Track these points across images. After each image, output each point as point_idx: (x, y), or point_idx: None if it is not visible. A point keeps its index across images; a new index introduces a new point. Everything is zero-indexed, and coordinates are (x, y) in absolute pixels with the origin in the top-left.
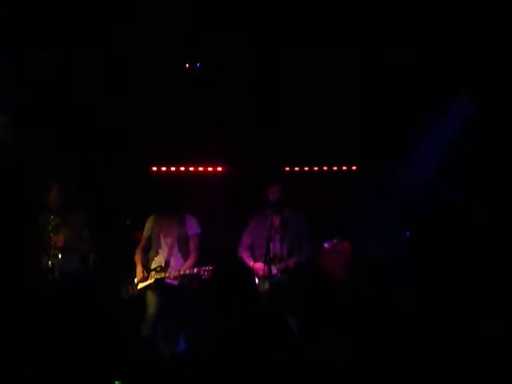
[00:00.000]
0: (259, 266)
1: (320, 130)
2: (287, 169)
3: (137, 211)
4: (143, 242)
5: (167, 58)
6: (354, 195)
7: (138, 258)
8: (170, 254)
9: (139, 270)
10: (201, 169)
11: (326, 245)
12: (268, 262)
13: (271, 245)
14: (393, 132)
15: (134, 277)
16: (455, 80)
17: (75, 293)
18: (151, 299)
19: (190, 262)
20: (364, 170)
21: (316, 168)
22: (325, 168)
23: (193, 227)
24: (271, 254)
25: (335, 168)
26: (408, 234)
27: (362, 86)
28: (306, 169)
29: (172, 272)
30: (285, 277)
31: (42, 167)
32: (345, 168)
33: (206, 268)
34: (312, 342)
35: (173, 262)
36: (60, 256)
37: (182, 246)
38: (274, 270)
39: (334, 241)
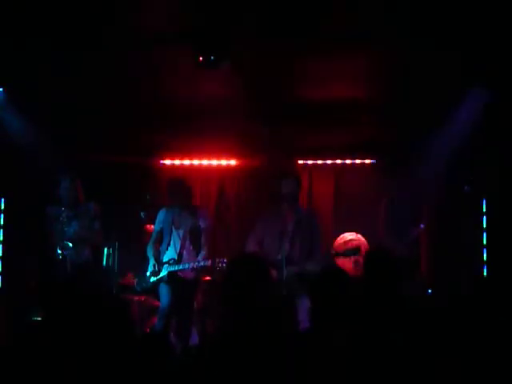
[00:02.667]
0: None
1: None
2: (301, 162)
3: (149, 204)
4: (155, 234)
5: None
6: (371, 190)
7: (150, 251)
8: (182, 247)
9: (152, 263)
10: (214, 162)
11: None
12: (279, 264)
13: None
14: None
15: (147, 270)
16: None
17: (86, 284)
18: (164, 292)
19: (203, 254)
20: (383, 163)
21: (333, 161)
22: (340, 161)
23: (205, 220)
24: (282, 254)
25: (352, 161)
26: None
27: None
28: (321, 162)
29: (185, 265)
30: (294, 281)
31: (51, 157)
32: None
33: (221, 260)
34: (323, 339)
35: (185, 254)
36: (71, 247)
37: (195, 238)
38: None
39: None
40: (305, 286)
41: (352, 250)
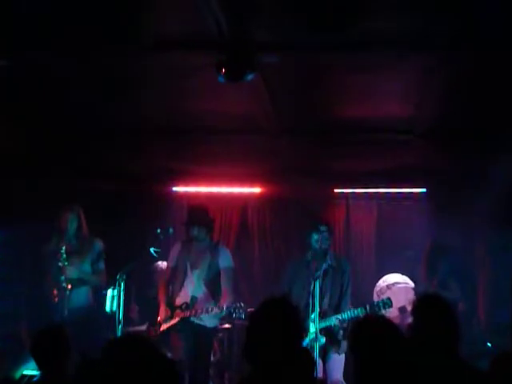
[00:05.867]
0: None
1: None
2: (338, 190)
3: (161, 238)
4: (167, 273)
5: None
6: (419, 224)
7: (161, 294)
8: (197, 288)
9: (162, 307)
10: (235, 190)
11: None
12: (309, 319)
13: (310, 298)
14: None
15: (157, 316)
16: None
17: (81, 333)
18: (177, 342)
19: (221, 299)
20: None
21: (375, 189)
22: (384, 190)
23: (225, 259)
24: (312, 309)
25: (397, 190)
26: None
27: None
28: (361, 190)
29: (199, 310)
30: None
31: (52, 184)
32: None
33: (239, 306)
34: None
35: (201, 297)
36: (70, 289)
37: (212, 279)
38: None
39: None
40: (333, 341)
41: (383, 302)
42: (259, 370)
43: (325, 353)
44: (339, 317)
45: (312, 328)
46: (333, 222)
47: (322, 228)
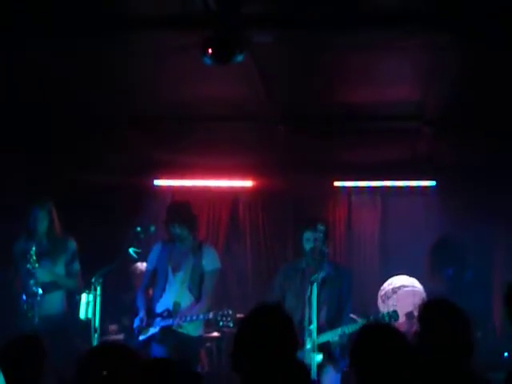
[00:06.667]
0: None
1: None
2: (339, 184)
3: (140, 237)
4: (147, 277)
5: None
6: (428, 220)
7: (139, 299)
8: (180, 294)
9: (141, 314)
10: (224, 183)
11: None
12: (303, 332)
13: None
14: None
15: (136, 324)
16: None
17: (53, 343)
18: (158, 353)
19: (201, 304)
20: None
21: (379, 182)
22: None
23: (210, 260)
24: (308, 322)
25: (404, 183)
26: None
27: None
28: (364, 184)
29: (182, 317)
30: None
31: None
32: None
33: (226, 313)
34: None
35: (184, 304)
36: (41, 293)
37: (197, 283)
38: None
39: None
40: (330, 357)
41: (389, 315)
42: (248, 381)
43: (320, 371)
44: (339, 332)
45: (308, 344)
46: (333, 219)
47: (318, 227)
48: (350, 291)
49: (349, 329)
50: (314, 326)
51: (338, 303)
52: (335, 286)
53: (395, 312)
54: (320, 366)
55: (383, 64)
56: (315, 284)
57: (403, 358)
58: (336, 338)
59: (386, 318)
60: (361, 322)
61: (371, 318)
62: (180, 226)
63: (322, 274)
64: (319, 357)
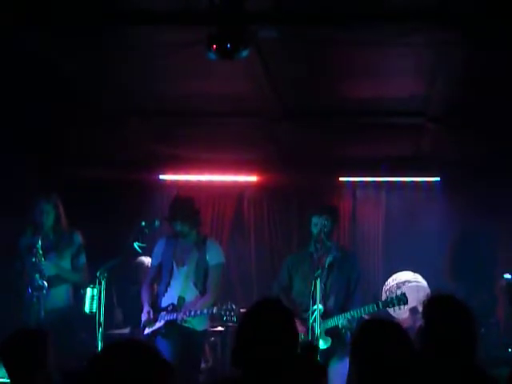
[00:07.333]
0: (297, 322)
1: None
2: (342, 179)
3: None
4: (152, 272)
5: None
6: (432, 215)
7: (145, 294)
8: (184, 288)
9: (146, 309)
10: (229, 178)
11: None
12: (310, 319)
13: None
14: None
15: (141, 318)
16: None
17: (58, 337)
18: (162, 347)
19: (206, 298)
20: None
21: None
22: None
23: (215, 254)
24: (315, 308)
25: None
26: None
27: None
28: (368, 179)
29: (187, 312)
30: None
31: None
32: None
33: (230, 308)
34: None
35: (188, 299)
36: (47, 287)
37: (201, 278)
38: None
39: None
40: (340, 344)
41: (398, 298)
42: (249, 376)
43: (327, 358)
44: (348, 316)
45: (316, 329)
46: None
47: (326, 212)
48: (360, 275)
49: (358, 313)
50: (317, 317)
51: (347, 287)
52: (344, 269)
53: (404, 295)
54: (329, 351)
55: (387, 60)
56: (322, 274)
57: (405, 354)
58: (345, 323)
59: (395, 302)
60: (370, 306)
61: (380, 302)
62: (182, 223)
63: (329, 258)
64: (328, 341)
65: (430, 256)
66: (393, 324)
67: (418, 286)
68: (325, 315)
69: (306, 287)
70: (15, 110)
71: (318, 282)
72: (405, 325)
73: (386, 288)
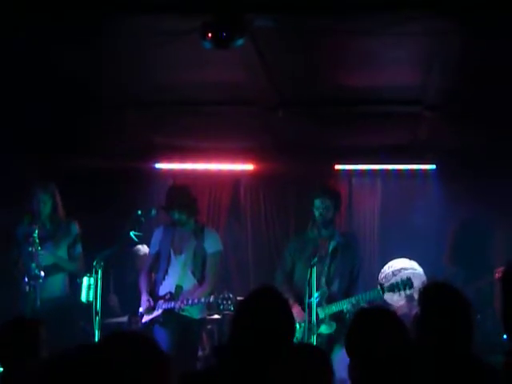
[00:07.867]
0: (297, 309)
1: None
2: (340, 167)
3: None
4: (149, 260)
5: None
6: (428, 203)
7: (142, 282)
8: (182, 277)
9: (144, 297)
10: (225, 167)
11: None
12: (312, 304)
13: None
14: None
15: (138, 306)
16: None
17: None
18: (160, 336)
19: (204, 287)
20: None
21: (380, 166)
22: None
23: (212, 242)
24: (317, 292)
25: (404, 166)
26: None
27: None
28: (364, 167)
29: (184, 300)
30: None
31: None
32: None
33: (227, 296)
34: None
35: (186, 287)
36: (43, 276)
37: (199, 266)
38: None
39: None
40: (344, 329)
41: (403, 282)
42: (244, 365)
43: (331, 344)
44: (352, 300)
45: (320, 313)
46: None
47: (327, 195)
48: (361, 261)
49: (363, 297)
50: (312, 305)
51: (351, 272)
52: (347, 255)
53: (409, 279)
54: (333, 336)
55: (384, 48)
56: (315, 267)
57: (400, 342)
58: (349, 307)
59: (401, 287)
60: (375, 291)
61: (385, 286)
62: (179, 212)
63: (333, 244)
64: (333, 326)
65: (425, 244)
66: (388, 312)
67: (413, 273)
68: (329, 300)
69: (307, 273)
70: (15, 105)
71: (314, 270)
72: (400, 312)
73: (381, 276)
